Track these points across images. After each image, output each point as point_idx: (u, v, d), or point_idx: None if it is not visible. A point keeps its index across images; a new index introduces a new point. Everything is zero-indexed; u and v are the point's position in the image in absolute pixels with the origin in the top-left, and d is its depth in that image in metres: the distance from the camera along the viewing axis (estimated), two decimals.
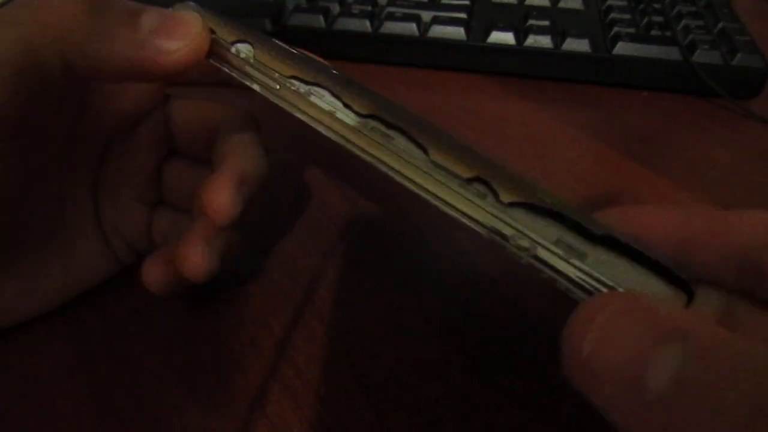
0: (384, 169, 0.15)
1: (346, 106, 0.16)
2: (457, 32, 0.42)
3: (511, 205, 0.14)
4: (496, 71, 0.42)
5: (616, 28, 0.42)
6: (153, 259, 0.23)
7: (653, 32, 0.41)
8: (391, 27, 0.42)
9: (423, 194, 0.15)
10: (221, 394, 0.22)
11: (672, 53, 0.40)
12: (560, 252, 0.13)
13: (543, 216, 0.14)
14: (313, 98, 0.17)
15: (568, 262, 0.13)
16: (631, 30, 0.42)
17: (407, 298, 0.26)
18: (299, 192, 0.32)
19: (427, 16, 0.43)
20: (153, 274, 0.23)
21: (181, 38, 0.18)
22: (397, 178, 0.15)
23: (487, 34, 0.41)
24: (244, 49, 0.18)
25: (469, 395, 0.22)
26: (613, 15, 0.44)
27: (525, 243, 0.14)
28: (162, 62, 0.18)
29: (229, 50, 0.18)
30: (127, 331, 0.24)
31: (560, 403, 0.22)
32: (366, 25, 0.42)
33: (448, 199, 0.15)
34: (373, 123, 0.16)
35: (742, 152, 0.36)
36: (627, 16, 0.44)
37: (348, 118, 0.16)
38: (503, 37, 0.41)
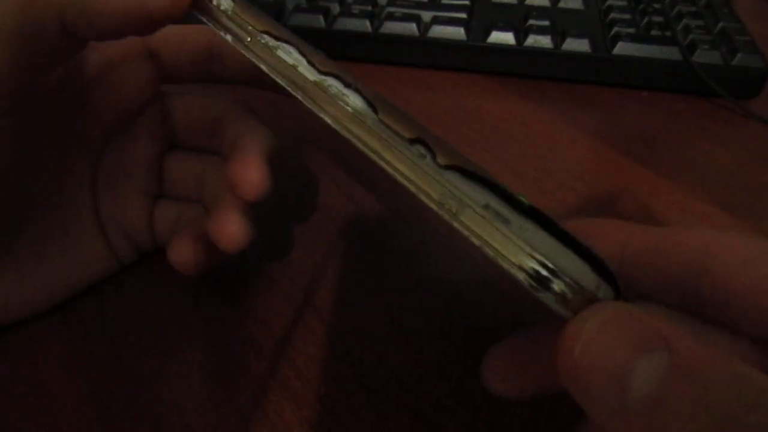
0: (334, 124, 0.16)
1: (309, 63, 0.17)
2: (457, 32, 0.42)
3: (447, 167, 0.15)
4: (496, 71, 0.42)
5: (616, 28, 0.42)
6: (181, 238, 0.24)
7: (653, 32, 0.42)
8: (391, 27, 0.42)
9: (367, 150, 0.16)
10: (221, 394, 0.22)
11: (672, 53, 0.40)
12: (486, 215, 0.14)
13: (474, 182, 0.14)
14: (279, 52, 0.18)
15: (493, 225, 0.14)
16: (631, 30, 0.42)
17: (407, 298, 0.26)
18: (299, 192, 0.32)
19: (427, 16, 0.43)
20: (184, 253, 0.23)
21: None
22: (344, 133, 0.16)
23: (487, 34, 0.41)
24: (224, 2, 0.19)
25: (469, 395, 0.22)
26: (613, 15, 0.44)
27: (453, 206, 0.14)
28: (152, 7, 0.19)
29: (210, 1, 0.20)
30: (127, 331, 0.24)
31: (560, 403, 0.22)
32: (366, 25, 0.42)
33: (389, 157, 0.15)
34: (331, 80, 0.17)
35: (742, 152, 0.36)
36: (627, 16, 0.44)
37: (309, 73, 0.17)
38: (503, 37, 0.41)
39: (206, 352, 0.23)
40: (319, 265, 0.27)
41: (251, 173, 0.22)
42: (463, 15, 0.43)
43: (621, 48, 0.40)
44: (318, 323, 0.25)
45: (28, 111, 0.21)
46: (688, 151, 0.36)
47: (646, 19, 0.43)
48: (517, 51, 0.41)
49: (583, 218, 0.19)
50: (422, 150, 0.15)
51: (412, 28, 0.42)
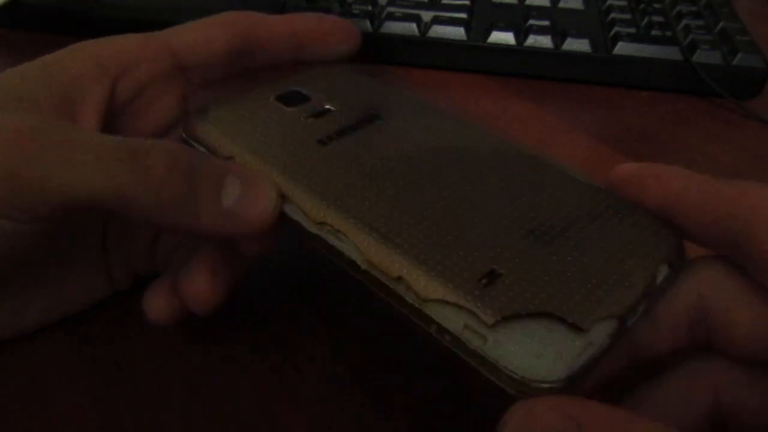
0: (337, 261, 0.19)
1: (306, 215, 0.19)
2: (457, 32, 0.42)
3: (425, 300, 0.17)
4: (496, 71, 0.42)
5: (616, 28, 0.42)
6: (154, 289, 0.22)
7: (653, 32, 0.41)
8: (391, 27, 0.42)
9: (364, 281, 0.18)
10: (222, 394, 0.22)
11: (672, 53, 0.40)
12: (469, 336, 0.16)
13: (451, 306, 0.16)
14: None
15: (471, 344, 0.16)
16: (631, 30, 0.42)
17: None
18: None
19: (427, 16, 0.43)
20: (156, 305, 0.22)
21: (262, 208, 0.19)
22: (350, 271, 0.19)
23: (487, 34, 0.41)
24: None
25: (470, 395, 0.22)
26: (613, 15, 0.44)
27: (440, 328, 0.16)
28: (241, 232, 0.19)
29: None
30: (127, 331, 0.24)
31: None
32: (366, 25, 0.42)
33: (382, 294, 0.18)
34: (324, 232, 0.19)
35: (742, 152, 0.36)
36: (627, 16, 0.44)
37: (310, 227, 0.19)
38: (503, 37, 0.41)
39: (207, 352, 0.23)
40: (319, 265, 0.27)
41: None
42: (463, 15, 0.43)
43: (621, 48, 0.40)
44: (318, 323, 0.25)
45: None
46: (688, 151, 0.36)
47: (646, 19, 0.43)
48: (517, 51, 0.41)
49: (640, 163, 0.20)
50: (403, 287, 0.17)
51: (412, 28, 0.42)
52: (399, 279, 0.17)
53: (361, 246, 0.18)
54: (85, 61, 0.22)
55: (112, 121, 0.22)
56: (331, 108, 0.23)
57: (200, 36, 0.24)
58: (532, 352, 0.15)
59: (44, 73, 0.21)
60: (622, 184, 0.19)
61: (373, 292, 0.18)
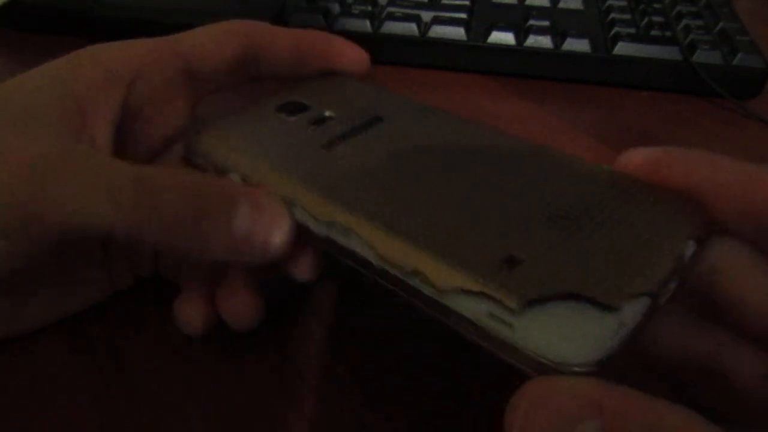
0: (349, 261, 0.18)
1: (312, 217, 0.19)
2: (457, 32, 0.42)
3: (445, 291, 0.16)
4: (496, 71, 0.42)
5: (616, 28, 0.42)
6: (187, 302, 0.22)
7: (653, 32, 0.42)
8: (391, 27, 0.42)
9: (378, 279, 0.17)
10: (221, 395, 0.22)
11: (672, 53, 0.40)
12: (494, 324, 0.15)
13: (474, 295, 0.15)
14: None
15: (498, 332, 0.15)
16: (631, 30, 0.42)
17: None
18: None
19: (427, 16, 0.43)
20: (190, 318, 0.22)
21: (275, 236, 0.19)
22: (363, 273, 0.18)
23: (487, 34, 0.41)
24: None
25: (470, 394, 0.22)
26: (613, 15, 0.44)
27: (462, 319, 0.16)
28: (252, 260, 0.19)
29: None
30: (127, 331, 0.24)
31: None
32: (366, 25, 0.42)
33: (399, 291, 0.17)
34: (333, 232, 0.18)
35: (742, 152, 0.36)
36: (627, 16, 0.44)
37: (317, 228, 0.19)
38: (503, 37, 0.41)
39: (207, 352, 0.23)
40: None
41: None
42: (463, 15, 0.43)
43: (621, 48, 0.40)
44: (317, 323, 0.25)
45: None
46: None
47: (646, 19, 0.43)
48: (517, 51, 0.41)
49: (665, 147, 0.19)
50: (420, 280, 0.16)
51: (412, 28, 0.42)
52: (415, 272, 0.16)
53: (372, 241, 0.17)
54: (96, 68, 0.21)
55: (123, 127, 0.22)
56: (333, 114, 0.23)
57: (208, 42, 0.24)
58: (562, 335, 0.14)
59: (55, 82, 0.21)
60: (643, 168, 0.19)
61: (390, 292, 0.17)
